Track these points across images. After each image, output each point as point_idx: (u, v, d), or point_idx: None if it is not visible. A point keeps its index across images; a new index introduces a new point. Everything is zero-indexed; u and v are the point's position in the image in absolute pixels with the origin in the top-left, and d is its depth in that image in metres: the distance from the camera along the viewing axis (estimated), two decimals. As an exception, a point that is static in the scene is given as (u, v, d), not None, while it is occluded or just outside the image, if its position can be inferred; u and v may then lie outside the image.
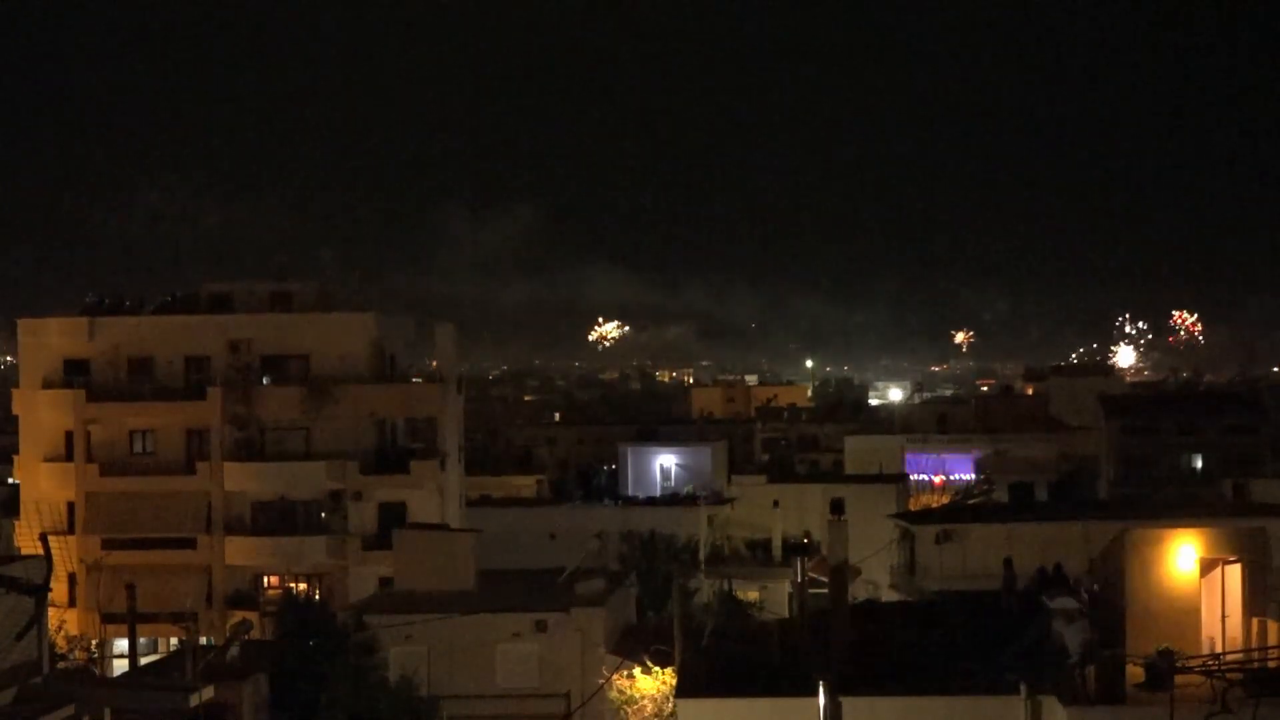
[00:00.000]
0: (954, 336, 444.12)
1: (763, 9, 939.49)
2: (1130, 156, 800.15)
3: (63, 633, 61.52)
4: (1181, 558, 32.17)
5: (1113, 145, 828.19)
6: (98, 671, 53.93)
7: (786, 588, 65.29)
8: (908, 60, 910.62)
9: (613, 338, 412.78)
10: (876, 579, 66.75)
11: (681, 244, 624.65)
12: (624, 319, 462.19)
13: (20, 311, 76.97)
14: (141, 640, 52.30)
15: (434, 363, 79.96)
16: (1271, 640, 31.02)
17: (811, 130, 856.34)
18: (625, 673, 44.44)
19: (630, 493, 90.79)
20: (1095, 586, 35.24)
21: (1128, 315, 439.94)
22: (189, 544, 69.52)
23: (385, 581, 61.72)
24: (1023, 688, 30.07)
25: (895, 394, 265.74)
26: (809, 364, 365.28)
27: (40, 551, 25.24)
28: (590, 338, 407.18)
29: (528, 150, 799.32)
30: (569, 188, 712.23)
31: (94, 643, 63.06)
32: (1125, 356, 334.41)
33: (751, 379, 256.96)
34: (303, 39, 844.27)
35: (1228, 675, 27.59)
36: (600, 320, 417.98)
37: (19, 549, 61.19)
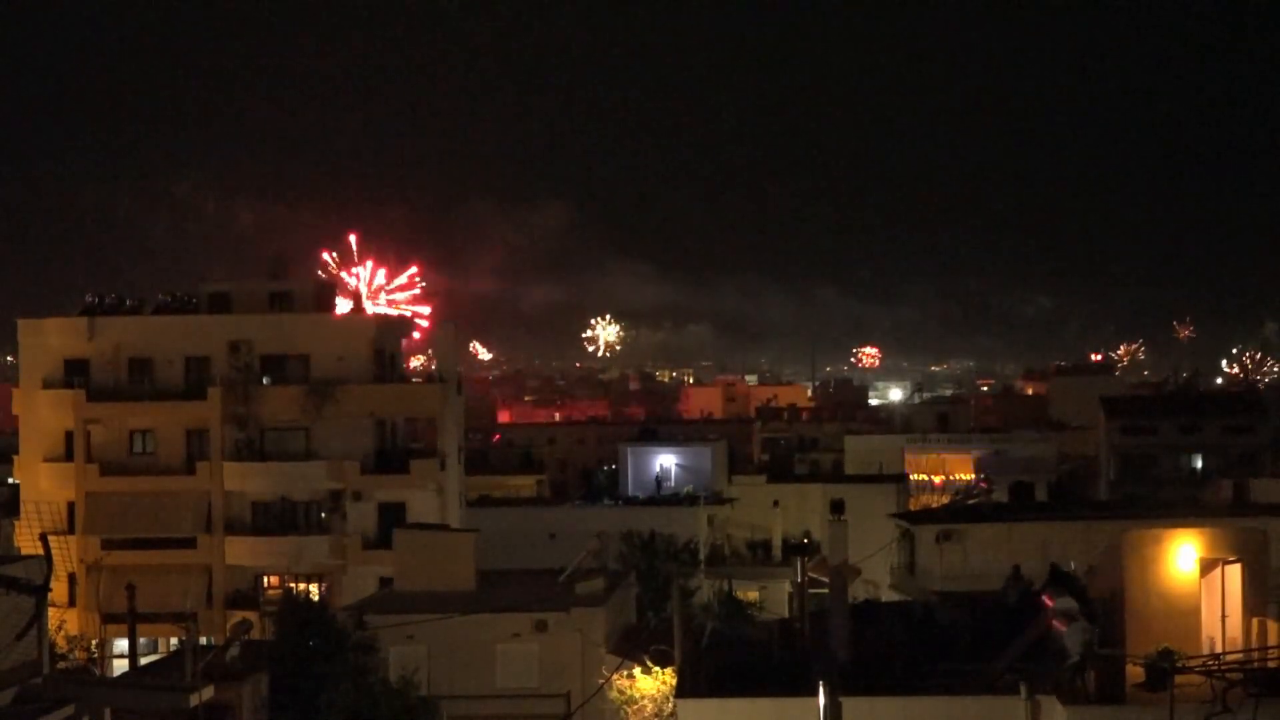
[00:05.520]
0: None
1: (794, 8, 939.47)
2: (1164, 153, 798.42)
3: (63, 633, 61.50)
4: (1181, 558, 32.16)
5: (1146, 142, 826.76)
6: (98, 671, 53.93)
7: (786, 588, 65.27)
8: (941, 59, 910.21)
9: (611, 340, 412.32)
10: (876, 579, 66.64)
11: (707, 243, 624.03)
12: (646, 318, 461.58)
13: (20, 311, 77.02)
14: (141, 640, 52.31)
15: (433, 363, 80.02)
16: (1271, 640, 31.01)
17: (840, 129, 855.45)
18: (625, 673, 44.43)
19: (630, 493, 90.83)
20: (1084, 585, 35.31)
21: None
22: (189, 544, 69.55)
23: (385, 581, 61.73)
24: (1023, 688, 30.06)
25: (895, 394, 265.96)
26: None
27: (40, 551, 25.25)
28: (589, 345, 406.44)
29: (555, 149, 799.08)
30: (595, 186, 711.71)
31: (94, 643, 63.08)
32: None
33: (751, 379, 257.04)
34: (330, 35, 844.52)
35: (1228, 675, 27.58)
36: (602, 321, 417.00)
37: (19, 549, 61.18)
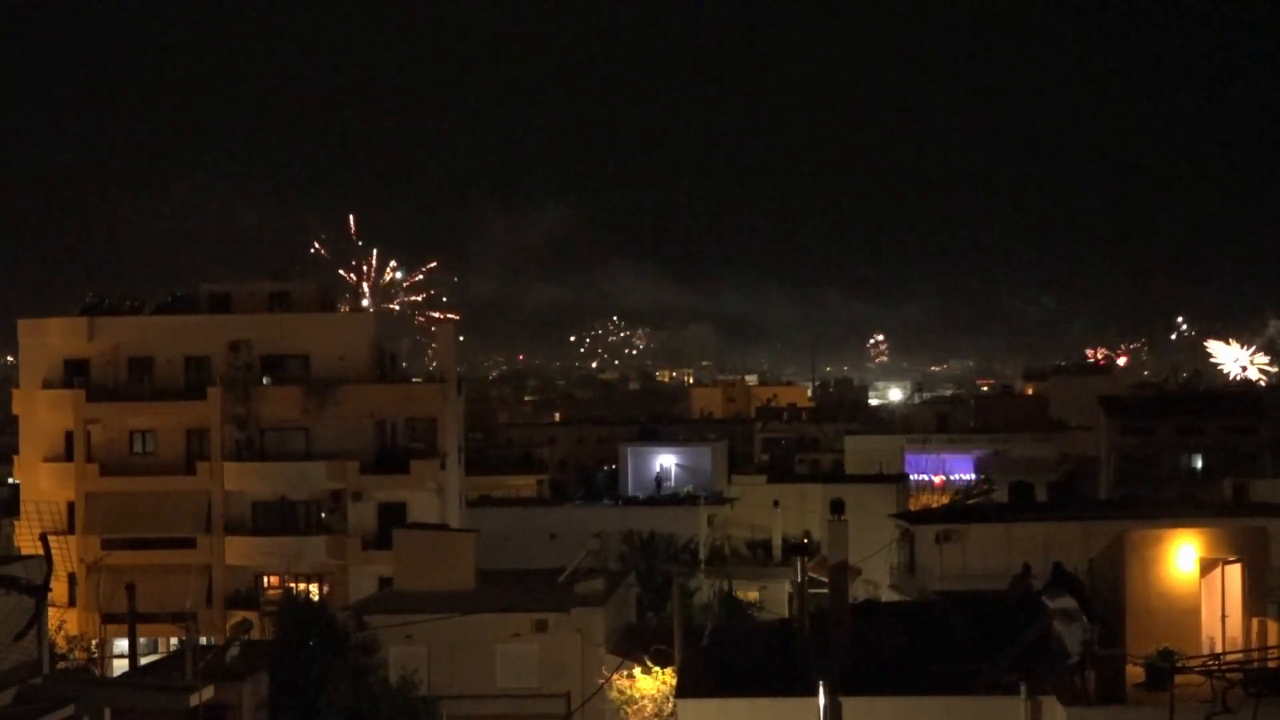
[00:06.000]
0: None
1: (798, 8, 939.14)
2: (1169, 152, 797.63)
3: (63, 633, 61.50)
4: (1181, 558, 32.18)
5: (1154, 142, 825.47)
6: (98, 671, 53.91)
7: (786, 588, 65.26)
8: (945, 59, 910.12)
9: (620, 336, 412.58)
10: (876, 579, 66.66)
11: (713, 244, 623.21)
12: (647, 318, 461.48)
13: (20, 311, 77.05)
14: (141, 640, 52.28)
15: (434, 362, 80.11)
16: (1271, 640, 31.03)
17: (847, 129, 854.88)
18: (625, 673, 44.41)
19: (630, 493, 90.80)
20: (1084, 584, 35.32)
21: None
22: (189, 544, 69.52)
23: (385, 581, 61.71)
24: (1023, 688, 30.07)
25: (895, 394, 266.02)
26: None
27: (40, 551, 25.25)
28: (581, 348, 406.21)
29: (557, 149, 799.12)
30: (597, 186, 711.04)
31: (94, 643, 63.04)
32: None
33: (751, 379, 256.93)
34: (332, 35, 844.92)
35: (1228, 675, 27.59)
36: (610, 322, 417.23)
37: (19, 549, 61.16)
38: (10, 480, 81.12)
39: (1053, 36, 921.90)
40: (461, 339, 76.88)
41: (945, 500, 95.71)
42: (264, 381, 70.47)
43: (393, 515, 67.44)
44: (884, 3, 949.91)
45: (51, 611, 41.20)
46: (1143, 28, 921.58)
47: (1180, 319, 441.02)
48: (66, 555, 61.23)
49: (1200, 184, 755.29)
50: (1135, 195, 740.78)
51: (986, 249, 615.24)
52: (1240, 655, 29.95)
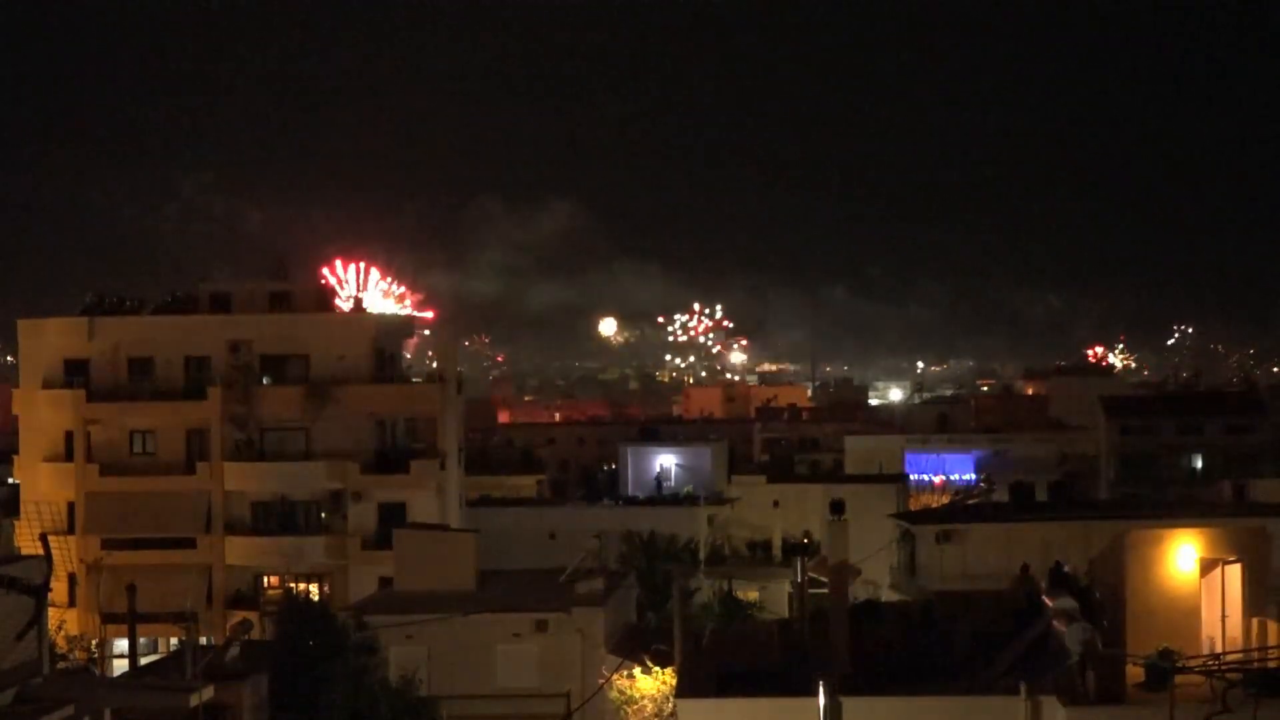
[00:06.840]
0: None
1: (803, 7, 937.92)
2: (1175, 153, 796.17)
3: (63, 633, 61.49)
4: (1181, 558, 32.18)
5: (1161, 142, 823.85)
6: (98, 671, 53.91)
7: (786, 588, 65.23)
8: (952, 59, 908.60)
9: (621, 339, 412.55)
10: (876, 579, 66.64)
11: (715, 243, 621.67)
12: (651, 317, 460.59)
13: (20, 311, 77.00)
14: (141, 640, 52.28)
15: (434, 362, 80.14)
16: (1271, 640, 31.02)
17: (849, 128, 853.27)
18: (625, 673, 44.44)
19: (630, 493, 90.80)
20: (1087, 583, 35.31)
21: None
22: (189, 544, 69.56)
23: (385, 581, 61.72)
24: (1023, 688, 30.07)
25: (895, 394, 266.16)
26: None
27: (40, 551, 25.24)
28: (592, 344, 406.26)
29: (562, 147, 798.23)
30: (603, 185, 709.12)
31: (94, 643, 63.04)
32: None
33: (752, 379, 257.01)
34: (336, 35, 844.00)
35: (1228, 675, 27.61)
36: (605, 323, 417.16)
37: (19, 549, 61.16)
38: (10, 480, 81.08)
39: (1059, 36, 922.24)
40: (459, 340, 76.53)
41: (945, 500, 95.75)
42: (264, 381, 70.49)
43: (393, 515, 67.47)
44: (888, 1, 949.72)
45: (51, 611, 41.22)
46: (1149, 27, 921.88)
47: (1182, 320, 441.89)
48: (66, 555, 61.28)
49: (1203, 184, 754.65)
50: (1138, 195, 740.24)
51: (989, 249, 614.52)
52: (1240, 655, 29.95)
